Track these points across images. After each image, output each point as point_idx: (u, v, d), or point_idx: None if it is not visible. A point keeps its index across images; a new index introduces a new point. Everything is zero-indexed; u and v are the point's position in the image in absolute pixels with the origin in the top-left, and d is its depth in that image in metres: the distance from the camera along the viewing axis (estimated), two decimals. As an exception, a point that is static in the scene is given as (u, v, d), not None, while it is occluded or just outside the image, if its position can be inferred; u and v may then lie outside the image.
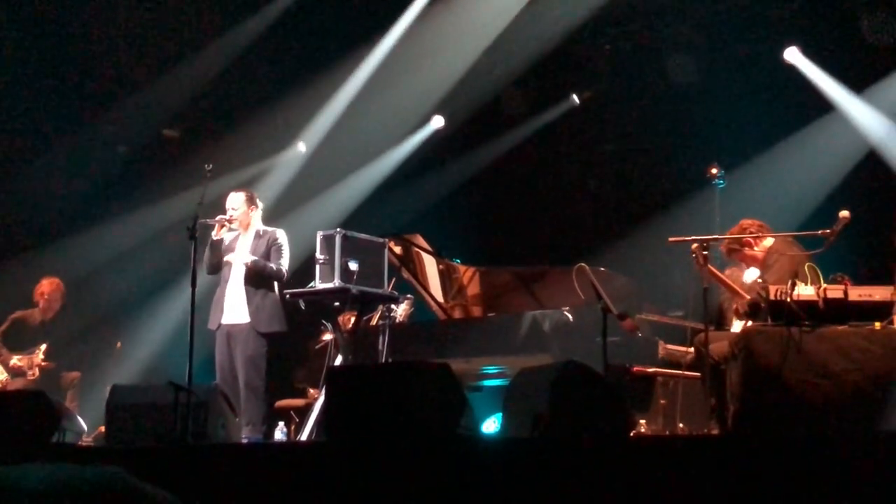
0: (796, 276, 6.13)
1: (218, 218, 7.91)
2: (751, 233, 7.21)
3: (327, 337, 9.67)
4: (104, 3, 10.77)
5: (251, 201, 8.37)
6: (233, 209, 8.31)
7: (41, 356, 9.77)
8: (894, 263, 6.09)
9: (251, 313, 8.10)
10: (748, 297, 6.92)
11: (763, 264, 7.16)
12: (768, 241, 7.22)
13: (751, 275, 7.27)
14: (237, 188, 8.65)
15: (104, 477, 1.51)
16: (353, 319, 8.67)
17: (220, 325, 8.17)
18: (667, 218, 10.06)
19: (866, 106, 9.80)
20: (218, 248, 8.13)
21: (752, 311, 6.67)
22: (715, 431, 6.32)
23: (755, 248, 7.26)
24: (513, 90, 11.67)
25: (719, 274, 7.09)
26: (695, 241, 6.75)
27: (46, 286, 10.21)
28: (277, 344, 8.33)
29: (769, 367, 5.72)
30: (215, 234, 7.97)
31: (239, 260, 8.14)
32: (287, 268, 8.25)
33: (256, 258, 8.11)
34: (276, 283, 8.19)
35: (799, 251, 6.87)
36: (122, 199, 11.55)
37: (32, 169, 11.30)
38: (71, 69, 11.10)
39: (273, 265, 8.15)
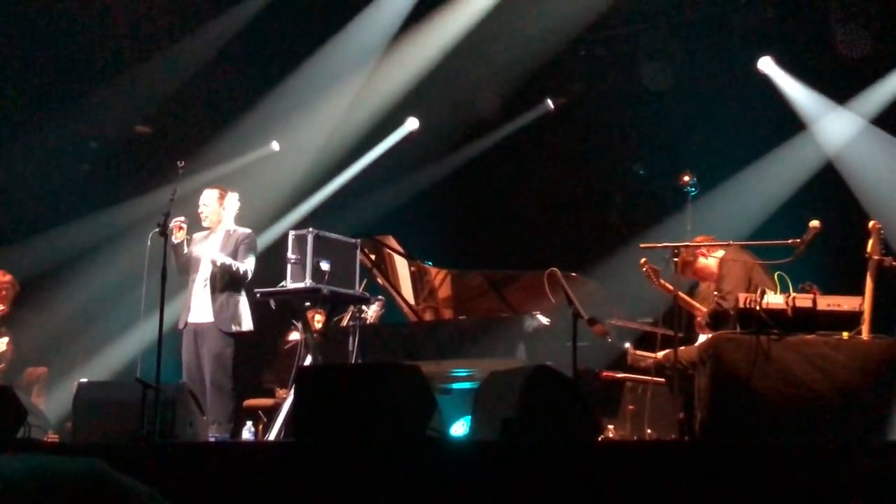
0: (750, 282, 6.18)
1: (174, 223, 7.70)
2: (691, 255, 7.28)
3: (294, 336, 9.67)
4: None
5: (223, 199, 8.33)
6: (204, 205, 8.29)
7: (3, 347, 9.67)
8: (864, 274, 6.13)
9: (215, 312, 8.07)
10: (704, 310, 6.99)
11: (717, 275, 7.22)
12: (720, 252, 7.28)
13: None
14: (212, 185, 8.62)
15: (84, 468, 1.50)
16: (317, 317, 8.65)
17: (186, 324, 8.15)
18: (639, 224, 10.10)
19: (838, 116, 9.86)
20: (181, 251, 8.06)
21: (715, 322, 6.71)
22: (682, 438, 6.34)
23: (708, 259, 7.32)
24: (487, 93, 11.67)
25: (672, 288, 7.12)
26: (666, 247, 6.79)
27: None
28: (245, 343, 8.31)
29: (737, 375, 5.75)
30: (175, 238, 7.85)
31: (206, 256, 8.10)
32: (251, 269, 8.20)
33: (224, 257, 8.07)
34: (242, 283, 8.18)
35: (750, 258, 6.94)
36: (93, 194, 11.47)
37: (2, 162, 11.20)
38: (42, 62, 11.01)
39: (238, 265, 8.10)
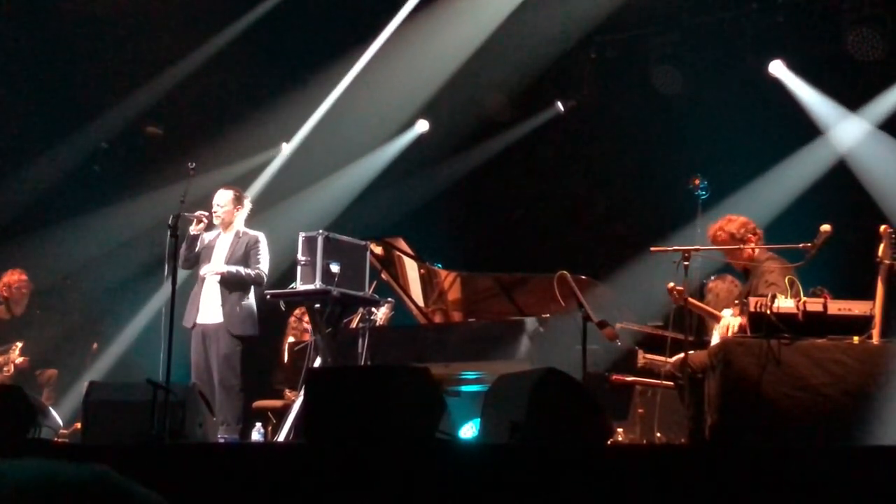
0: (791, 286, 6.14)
1: (197, 213, 7.88)
2: (744, 231, 7.18)
3: (292, 340, 9.72)
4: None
5: (238, 201, 8.36)
6: (218, 205, 8.30)
7: (17, 353, 9.67)
8: (875, 278, 6.12)
9: (225, 315, 8.10)
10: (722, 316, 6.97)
11: (751, 270, 7.12)
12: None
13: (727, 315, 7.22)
14: (227, 186, 8.63)
15: (93, 475, 1.50)
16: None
17: (195, 325, 8.16)
18: (649, 227, 10.07)
19: (849, 120, 9.84)
20: (194, 243, 8.10)
21: (756, 326, 6.56)
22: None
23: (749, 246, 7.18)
24: (498, 96, 11.67)
25: (698, 304, 7.10)
26: (677, 251, 6.77)
27: (9, 277, 10.07)
28: (254, 345, 8.33)
29: (748, 379, 5.74)
30: (193, 229, 7.94)
31: (212, 271, 8.13)
32: (266, 272, 8.24)
33: (231, 269, 8.10)
34: (253, 287, 8.20)
35: (783, 263, 6.88)
36: (103, 195, 11.49)
37: (12, 163, 11.22)
38: (54, 64, 11.03)
39: (251, 270, 8.14)
